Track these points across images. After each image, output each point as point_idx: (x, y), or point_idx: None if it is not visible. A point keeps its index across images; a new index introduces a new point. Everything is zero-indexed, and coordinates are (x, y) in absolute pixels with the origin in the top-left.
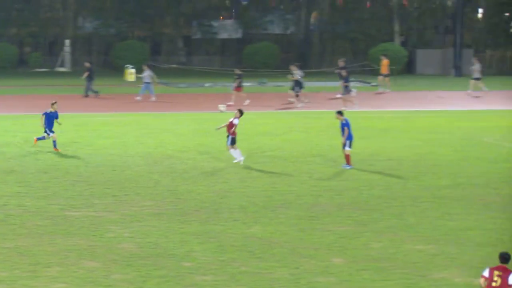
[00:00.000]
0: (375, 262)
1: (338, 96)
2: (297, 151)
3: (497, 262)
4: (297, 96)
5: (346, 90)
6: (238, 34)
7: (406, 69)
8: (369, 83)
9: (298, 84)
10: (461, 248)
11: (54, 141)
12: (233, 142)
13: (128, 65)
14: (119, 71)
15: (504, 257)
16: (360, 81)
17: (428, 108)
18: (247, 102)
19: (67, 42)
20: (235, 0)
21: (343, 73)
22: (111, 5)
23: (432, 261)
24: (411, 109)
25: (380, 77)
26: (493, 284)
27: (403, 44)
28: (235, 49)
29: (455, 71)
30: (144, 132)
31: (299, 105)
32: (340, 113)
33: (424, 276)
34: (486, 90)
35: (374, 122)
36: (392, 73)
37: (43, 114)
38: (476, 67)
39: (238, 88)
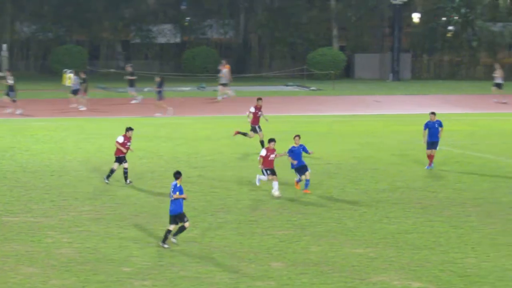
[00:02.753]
0: (314, 266)
1: (133, 102)
2: (236, 156)
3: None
4: (13, 101)
5: (160, 95)
6: (176, 39)
7: (344, 73)
8: (308, 87)
9: (11, 89)
10: (399, 251)
11: (307, 181)
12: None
13: (66, 69)
14: (57, 76)
15: None
16: (299, 86)
17: (366, 112)
18: (82, 108)
19: (4, 46)
20: (174, 5)
21: (129, 77)
22: (49, 9)
23: (370, 264)
24: (350, 113)
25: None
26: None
27: (342, 48)
28: (174, 54)
29: (393, 75)
30: (82, 137)
31: (10, 111)
32: (433, 113)
33: (363, 280)
34: (223, 98)
35: (313, 126)
36: (331, 77)
37: (288, 151)
38: (224, 72)
39: (83, 92)
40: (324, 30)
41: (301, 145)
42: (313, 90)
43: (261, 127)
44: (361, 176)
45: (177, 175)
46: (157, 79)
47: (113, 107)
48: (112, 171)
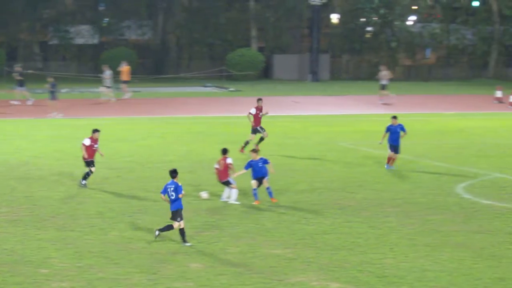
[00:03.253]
0: (233, 267)
1: (13, 102)
2: (154, 157)
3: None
4: None
5: (53, 96)
6: (94, 40)
7: (263, 74)
8: (226, 88)
9: None
10: (317, 252)
11: (268, 189)
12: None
13: None
14: None
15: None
16: (217, 86)
17: (285, 113)
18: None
19: None
20: (91, 6)
21: (18, 77)
22: None
23: (289, 265)
24: (268, 114)
25: (123, 85)
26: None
27: (261, 49)
28: (92, 55)
29: (312, 76)
30: (0, 138)
31: None
32: (395, 117)
33: (282, 280)
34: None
35: (231, 127)
36: (250, 78)
37: (246, 166)
38: (107, 74)
39: None
40: (243, 31)
41: (261, 158)
42: (231, 91)
43: (264, 127)
44: (280, 177)
45: (174, 174)
46: (50, 79)
47: (30, 108)
48: (88, 174)
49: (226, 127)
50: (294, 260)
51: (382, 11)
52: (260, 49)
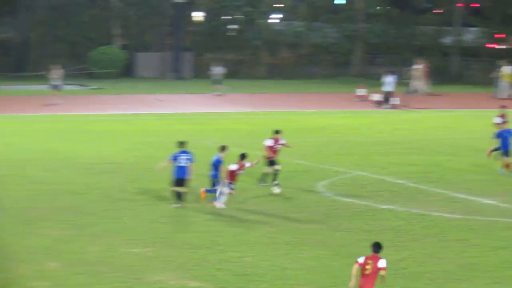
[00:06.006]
0: (91, 265)
1: None
2: (13, 155)
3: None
4: None
5: None
6: None
7: (125, 72)
8: (88, 86)
9: None
10: (177, 250)
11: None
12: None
13: None
14: None
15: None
16: (78, 84)
17: (148, 111)
18: None
19: None
20: None
21: None
22: None
23: (148, 264)
24: (131, 112)
25: None
26: (366, 272)
27: (124, 47)
28: None
29: (174, 74)
30: None
31: None
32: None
33: (140, 279)
34: None
35: (93, 125)
36: (111, 76)
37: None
38: None
39: None
40: (105, 29)
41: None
42: (93, 89)
43: None
44: (141, 175)
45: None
46: None
47: None
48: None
49: (89, 125)
50: (153, 258)
51: (246, 9)
52: (123, 47)
